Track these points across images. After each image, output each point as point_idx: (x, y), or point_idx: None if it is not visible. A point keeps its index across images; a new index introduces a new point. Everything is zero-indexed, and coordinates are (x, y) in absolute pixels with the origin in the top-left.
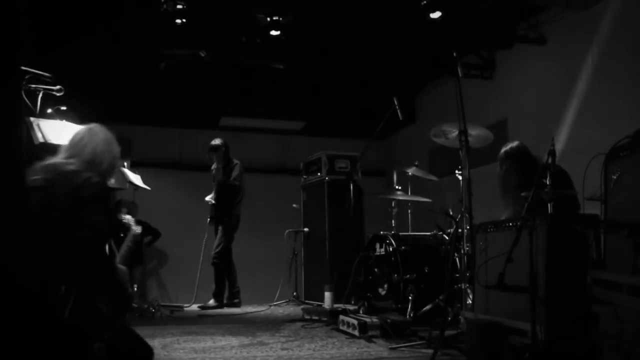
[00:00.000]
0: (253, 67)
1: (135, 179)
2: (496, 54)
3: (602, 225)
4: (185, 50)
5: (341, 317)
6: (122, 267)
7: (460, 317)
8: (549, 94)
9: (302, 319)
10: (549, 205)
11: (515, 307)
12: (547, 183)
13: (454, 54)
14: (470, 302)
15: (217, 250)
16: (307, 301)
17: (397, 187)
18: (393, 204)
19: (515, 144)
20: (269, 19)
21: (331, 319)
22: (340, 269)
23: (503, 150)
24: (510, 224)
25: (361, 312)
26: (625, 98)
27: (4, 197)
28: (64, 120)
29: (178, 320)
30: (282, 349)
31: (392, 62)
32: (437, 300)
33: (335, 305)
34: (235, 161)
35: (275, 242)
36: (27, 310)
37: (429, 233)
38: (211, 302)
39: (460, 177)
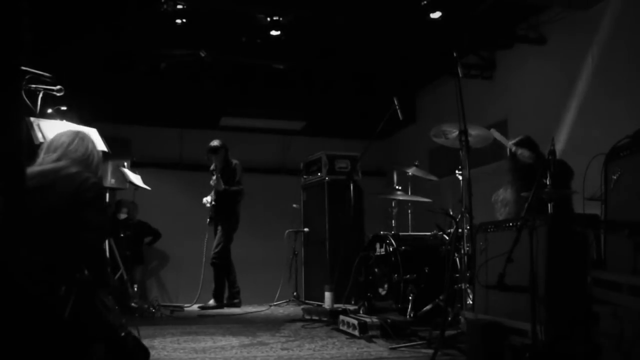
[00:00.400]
0: (253, 67)
1: (135, 179)
2: (496, 54)
3: (602, 225)
4: (185, 50)
5: (341, 317)
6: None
7: (460, 317)
8: (549, 94)
9: (302, 319)
10: (549, 205)
11: (516, 307)
12: (547, 183)
13: (454, 54)
14: (471, 302)
15: (216, 250)
16: (307, 301)
17: (397, 187)
18: (393, 204)
19: (523, 136)
20: (269, 19)
21: (331, 319)
22: (340, 269)
23: (512, 142)
24: (510, 224)
25: (361, 312)
26: (625, 98)
27: (4, 197)
28: (64, 120)
29: (178, 320)
30: (282, 349)
31: (392, 62)
32: (437, 300)
33: (336, 305)
34: (235, 161)
35: (275, 242)
36: (27, 310)
37: (429, 233)
38: (211, 302)
39: (460, 177)
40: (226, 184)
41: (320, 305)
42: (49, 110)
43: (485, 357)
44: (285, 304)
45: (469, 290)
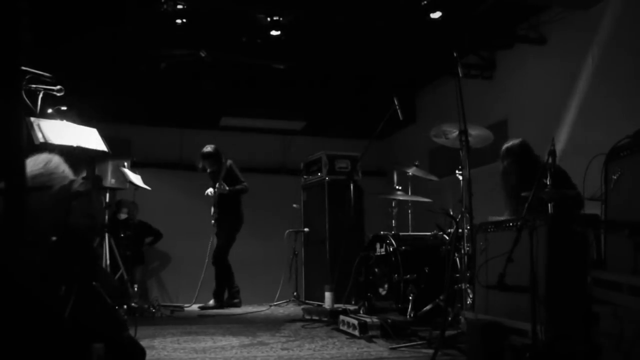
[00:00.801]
0: (253, 67)
1: (136, 179)
2: (496, 54)
3: (603, 225)
4: (186, 50)
5: (341, 317)
6: None
7: (460, 317)
8: (549, 94)
9: (302, 319)
10: (549, 205)
11: (516, 307)
12: (548, 183)
13: (454, 54)
14: (471, 302)
15: (217, 250)
16: (307, 301)
17: (397, 187)
18: (393, 204)
19: (517, 141)
20: (269, 19)
21: (331, 319)
22: (340, 269)
23: (505, 146)
24: (511, 224)
25: (361, 312)
26: (625, 98)
27: (4, 197)
28: (64, 120)
29: (178, 320)
30: (283, 349)
31: (392, 62)
32: (437, 300)
33: (336, 305)
34: (229, 162)
35: (275, 242)
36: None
37: (429, 233)
38: (211, 302)
39: (460, 177)
40: (230, 185)
41: (321, 305)
42: (49, 110)
43: (485, 357)
44: (286, 304)
45: (469, 290)
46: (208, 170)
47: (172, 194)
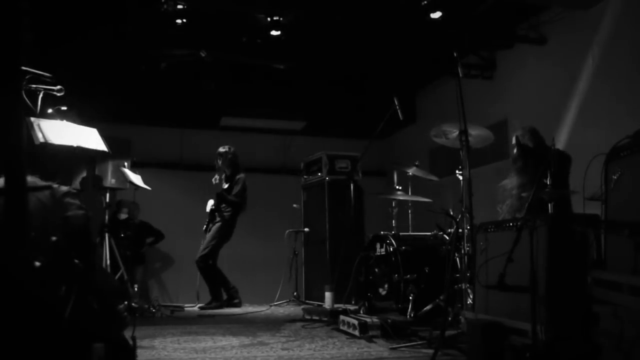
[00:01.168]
0: (253, 67)
1: (136, 179)
2: (497, 54)
3: (603, 225)
4: (186, 50)
5: (341, 317)
6: None
7: (460, 317)
8: (549, 94)
9: (302, 319)
10: (549, 205)
11: (516, 307)
12: (548, 183)
13: (455, 54)
14: (471, 302)
15: (203, 253)
16: (307, 301)
17: (397, 187)
18: (393, 204)
19: (526, 127)
20: (269, 19)
21: (332, 319)
22: (340, 269)
23: (515, 135)
24: (511, 224)
25: (362, 312)
26: (625, 98)
27: (4, 197)
28: (64, 120)
29: (178, 320)
30: (283, 349)
31: (392, 62)
32: (437, 300)
33: (336, 305)
34: (241, 175)
35: (275, 242)
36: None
37: (429, 233)
38: (212, 303)
39: (460, 177)
40: (226, 191)
41: (321, 305)
42: (49, 110)
43: (485, 357)
44: (286, 304)
45: (469, 290)
46: (214, 179)
47: (172, 194)
